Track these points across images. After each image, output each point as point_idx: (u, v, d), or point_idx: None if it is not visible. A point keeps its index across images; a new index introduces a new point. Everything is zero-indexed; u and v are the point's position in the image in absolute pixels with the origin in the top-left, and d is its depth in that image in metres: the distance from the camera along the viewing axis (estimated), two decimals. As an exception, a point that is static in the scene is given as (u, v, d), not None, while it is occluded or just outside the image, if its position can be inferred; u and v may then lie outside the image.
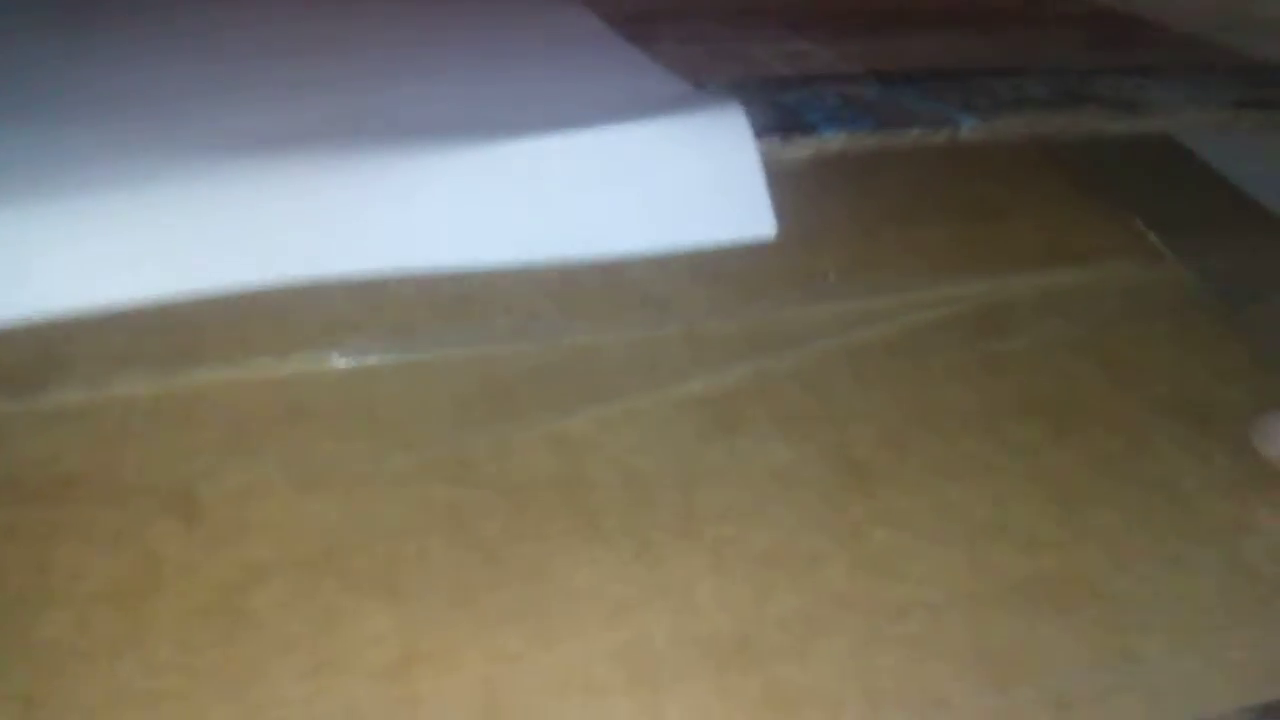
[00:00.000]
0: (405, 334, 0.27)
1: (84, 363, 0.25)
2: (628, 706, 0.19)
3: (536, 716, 0.19)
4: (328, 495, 0.23)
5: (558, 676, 0.20)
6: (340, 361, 0.26)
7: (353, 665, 0.20)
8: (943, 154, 0.32)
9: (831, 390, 0.27)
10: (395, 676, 0.19)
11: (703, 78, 0.33)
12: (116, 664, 0.19)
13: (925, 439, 0.26)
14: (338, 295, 0.28)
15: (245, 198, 0.27)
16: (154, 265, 0.26)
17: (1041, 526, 0.24)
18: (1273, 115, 0.33)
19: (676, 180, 0.29)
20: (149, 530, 0.22)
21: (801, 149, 0.30)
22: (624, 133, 0.28)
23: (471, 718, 0.19)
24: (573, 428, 0.25)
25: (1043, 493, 0.25)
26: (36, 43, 0.36)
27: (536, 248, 0.28)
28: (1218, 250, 0.32)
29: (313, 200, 0.27)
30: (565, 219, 0.28)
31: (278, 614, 0.20)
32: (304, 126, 0.29)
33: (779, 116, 0.30)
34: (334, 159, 0.28)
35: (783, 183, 0.31)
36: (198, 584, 0.21)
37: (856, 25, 0.41)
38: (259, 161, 0.28)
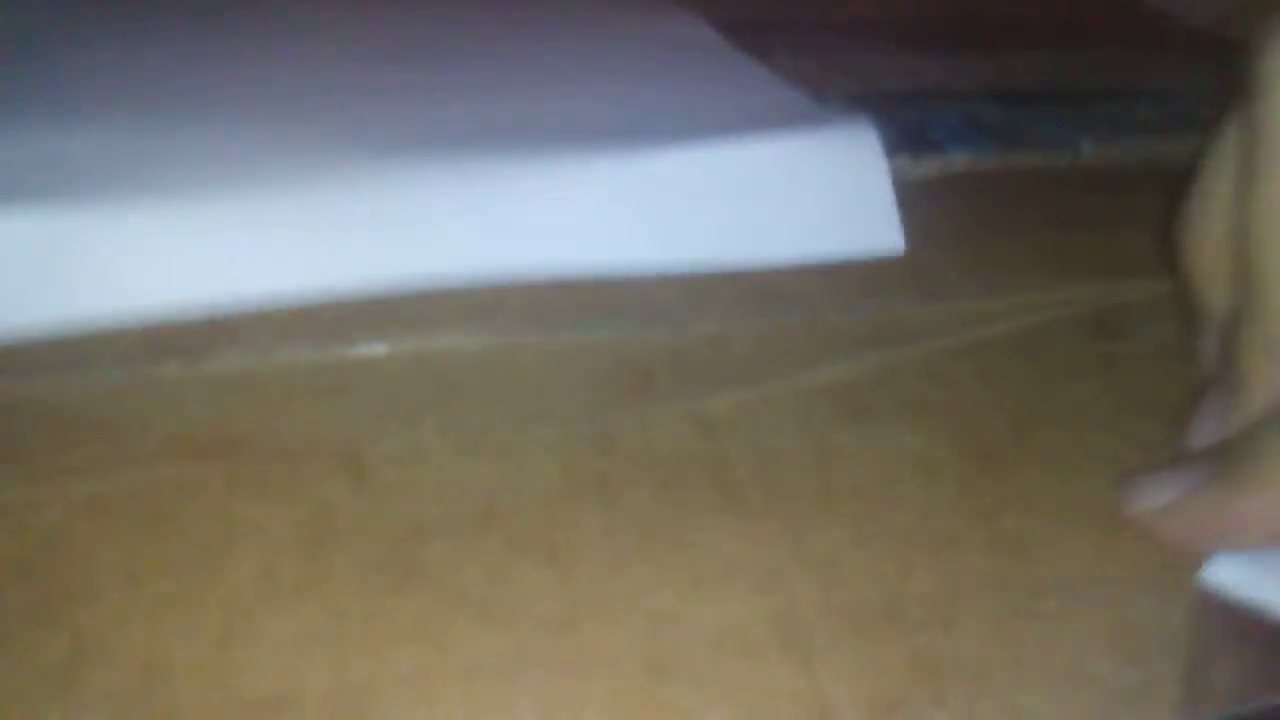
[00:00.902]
0: (539, 317, 0.29)
1: (248, 333, 0.27)
2: (783, 668, 0.20)
3: (699, 671, 0.20)
4: (482, 461, 0.24)
5: (715, 636, 0.21)
6: (481, 340, 0.28)
7: (521, 617, 0.21)
8: (1057, 171, 0.33)
9: (955, 382, 0.28)
10: (562, 629, 0.20)
11: (821, 91, 0.34)
12: (301, 608, 0.20)
13: (1049, 431, 0.27)
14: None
15: (397, 198, 0.29)
16: (311, 261, 0.28)
17: (1170, 517, 0.24)
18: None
19: (809, 195, 0.30)
20: (321, 487, 0.23)
21: (929, 167, 0.31)
22: (761, 147, 0.30)
23: (637, 668, 0.20)
24: (709, 409, 0.26)
25: (1168, 485, 0.25)
26: (199, 42, 0.38)
27: (672, 254, 0.29)
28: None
29: (463, 202, 0.29)
30: (702, 228, 0.29)
31: (447, 568, 0.21)
32: (452, 132, 0.31)
33: (903, 134, 0.31)
34: (488, 163, 0.29)
35: (903, 190, 0.32)
36: (371, 537, 0.22)
37: (961, 41, 0.42)
38: (412, 164, 0.29)
